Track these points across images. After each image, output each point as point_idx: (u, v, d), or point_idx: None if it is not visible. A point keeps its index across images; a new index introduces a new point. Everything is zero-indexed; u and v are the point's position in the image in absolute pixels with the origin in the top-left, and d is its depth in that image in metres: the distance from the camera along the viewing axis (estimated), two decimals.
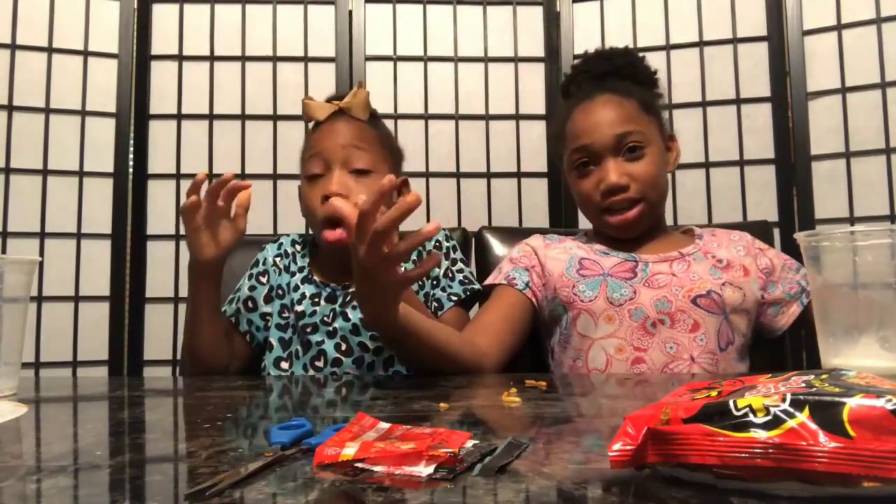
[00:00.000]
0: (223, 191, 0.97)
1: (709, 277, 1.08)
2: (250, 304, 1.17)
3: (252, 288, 1.18)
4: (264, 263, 1.20)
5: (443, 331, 0.95)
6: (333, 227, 1.05)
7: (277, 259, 1.20)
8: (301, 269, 1.18)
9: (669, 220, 1.80)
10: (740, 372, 1.08)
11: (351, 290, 1.12)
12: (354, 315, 1.10)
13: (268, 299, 1.17)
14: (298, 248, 1.22)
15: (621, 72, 1.17)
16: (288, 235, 1.24)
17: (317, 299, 1.13)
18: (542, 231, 1.28)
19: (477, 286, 1.16)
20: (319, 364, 1.09)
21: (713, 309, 1.06)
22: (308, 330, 1.11)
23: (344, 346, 1.09)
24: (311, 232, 1.25)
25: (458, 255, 1.20)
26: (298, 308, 1.13)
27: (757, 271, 1.11)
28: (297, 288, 1.15)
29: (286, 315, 1.15)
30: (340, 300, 1.12)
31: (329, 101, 1.16)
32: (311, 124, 1.18)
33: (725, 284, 1.08)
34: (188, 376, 1.07)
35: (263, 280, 1.18)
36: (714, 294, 1.06)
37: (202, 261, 1.00)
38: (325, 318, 1.11)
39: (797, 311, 1.10)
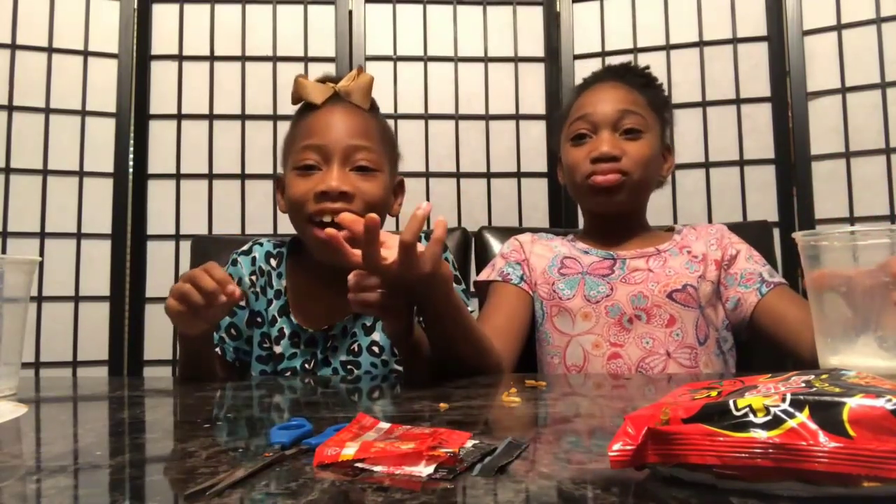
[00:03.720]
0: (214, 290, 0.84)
1: (685, 271, 1.09)
2: (234, 332, 1.07)
3: (232, 313, 1.06)
4: (240, 284, 1.05)
5: (479, 325, 0.95)
6: (324, 228, 0.93)
7: (253, 278, 1.07)
8: (278, 296, 1.06)
9: (669, 220, 1.80)
10: (722, 366, 1.09)
11: (332, 332, 1.04)
12: (336, 359, 1.03)
13: (250, 325, 1.07)
14: (274, 263, 1.09)
15: (639, 76, 1.20)
16: (261, 245, 1.11)
17: (296, 340, 1.04)
18: (541, 231, 1.28)
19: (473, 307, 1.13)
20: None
21: (689, 303, 1.07)
22: (287, 375, 1.03)
23: None
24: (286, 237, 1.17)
25: (456, 272, 1.13)
26: (277, 349, 1.04)
27: (722, 263, 1.12)
28: (274, 321, 1.05)
29: (267, 346, 1.06)
30: (321, 346, 1.04)
31: (324, 81, 1.03)
32: (299, 106, 1.06)
33: (701, 278, 1.09)
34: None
35: (243, 304, 1.07)
36: (690, 288, 1.07)
37: (194, 336, 0.91)
38: (306, 365, 1.04)
39: (754, 300, 1.06)
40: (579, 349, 1.09)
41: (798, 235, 0.70)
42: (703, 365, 1.06)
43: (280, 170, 1.82)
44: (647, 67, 1.24)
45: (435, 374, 0.95)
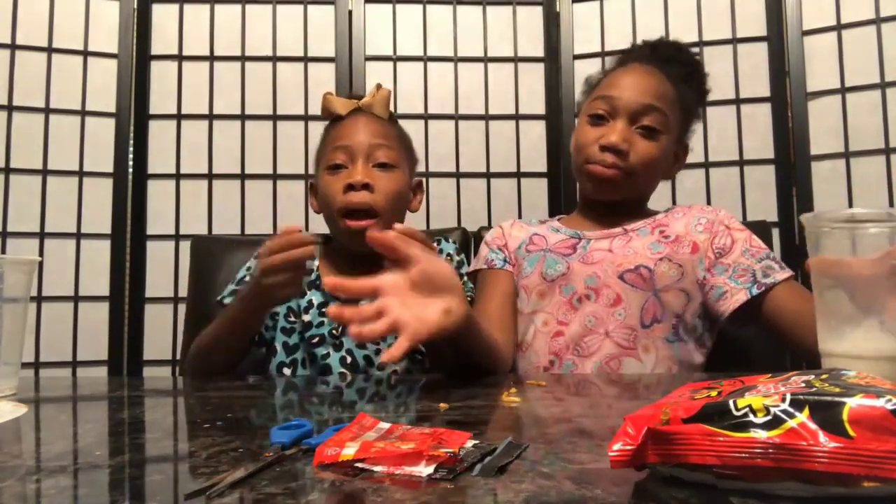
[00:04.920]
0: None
1: (645, 252, 1.06)
2: None
3: None
4: None
5: (490, 333, 0.98)
6: (355, 218, 1.05)
7: None
8: (308, 273, 1.13)
9: None
10: (674, 353, 1.04)
11: (362, 303, 1.10)
12: None
13: None
14: None
15: (684, 65, 1.16)
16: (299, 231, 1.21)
17: (324, 309, 1.10)
18: None
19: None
20: (323, 377, 1.08)
21: (639, 284, 1.04)
22: (314, 342, 1.09)
23: (349, 360, 1.08)
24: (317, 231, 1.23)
25: (465, 269, 1.20)
26: (305, 318, 1.10)
27: (708, 249, 1.07)
28: (303, 293, 1.13)
29: (292, 319, 1.12)
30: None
31: (349, 97, 1.16)
32: (327, 121, 1.17)
33: (663, 260, 1.05)
34: (190, 376, 1.06)
35: None
36: (643, 269, 1.04)
37: (268, 305, 0.99)
38: (333, 331, 1.09)
39: (742, 298, 1.01)
40: (532, 327, 1.09)
41: (806, 217, 0.69)
42: (641, 349, 1.03)
43: (280, 170, 1.84)
44: (698, 54, 1.19)
45: (457, 367, 0.98)
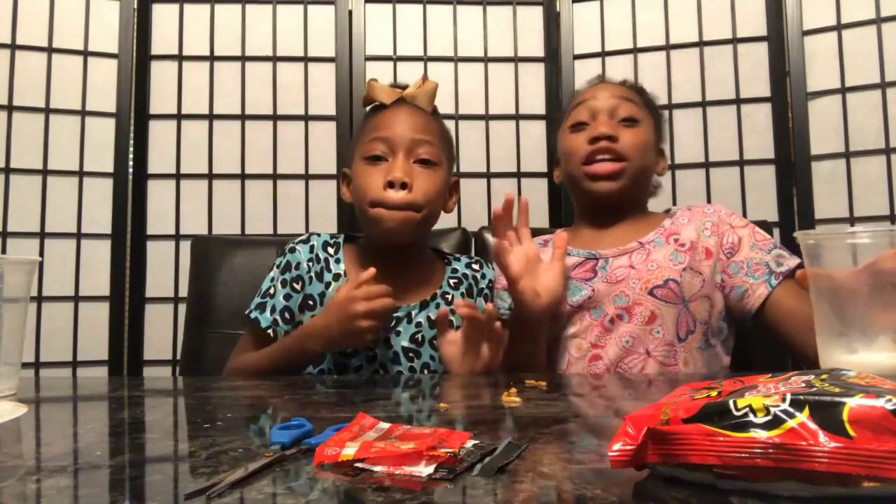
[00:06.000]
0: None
1: (668, 264, 1.06)
2: (287, 316, 1.08)
3: (287, 297, 1.08)
4: (297, 268, 1.10)
5: None
6: (389, 209, 1.03)
7: (309, 264, 1.10)
8: (336, 278, 1.09)
9: None
10: (707, 361, 1.06)
11: (396, 314, 1.06)
12: (397, 342, 1.06)
13: (302, 309, 1.09)
14: (331, 251, 1.13)
15: (634, 85, 1.25)
16: (318, 235, 1.15)
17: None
18: (540, 231, 1.27)
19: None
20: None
21: (671, 299, 1.04)
22: (347, 353, 1.05)
23: (382, 374, 1.05)
24: (338, 232, 1.19)
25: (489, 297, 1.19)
26: None
27: (719, 252, 1.08)
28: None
29: None
30: (385, 325, 1.05)
31: (394, 87, 1.14)
32: (369, 108, 1.15)
33: (686, 270, 1.05)
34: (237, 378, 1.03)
35: (298, 287, 1.09)
36: (672, 283, 1.04)
37: (332, 349, 1.03)
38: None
39: (763, 293, 1.02)
40: (565, 353, 1.08)
41: (799, 235, 0.69)
42: (682, 362, 1.04)
43: (280, 170, 1.84)
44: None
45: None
